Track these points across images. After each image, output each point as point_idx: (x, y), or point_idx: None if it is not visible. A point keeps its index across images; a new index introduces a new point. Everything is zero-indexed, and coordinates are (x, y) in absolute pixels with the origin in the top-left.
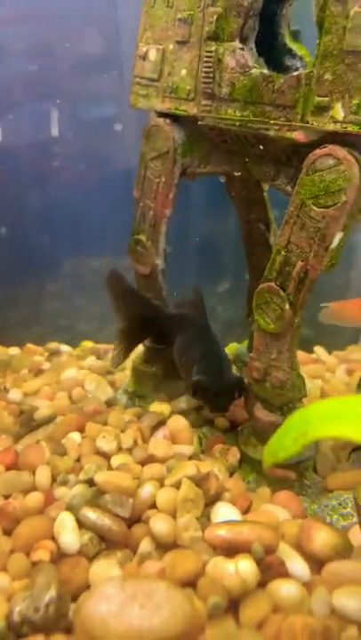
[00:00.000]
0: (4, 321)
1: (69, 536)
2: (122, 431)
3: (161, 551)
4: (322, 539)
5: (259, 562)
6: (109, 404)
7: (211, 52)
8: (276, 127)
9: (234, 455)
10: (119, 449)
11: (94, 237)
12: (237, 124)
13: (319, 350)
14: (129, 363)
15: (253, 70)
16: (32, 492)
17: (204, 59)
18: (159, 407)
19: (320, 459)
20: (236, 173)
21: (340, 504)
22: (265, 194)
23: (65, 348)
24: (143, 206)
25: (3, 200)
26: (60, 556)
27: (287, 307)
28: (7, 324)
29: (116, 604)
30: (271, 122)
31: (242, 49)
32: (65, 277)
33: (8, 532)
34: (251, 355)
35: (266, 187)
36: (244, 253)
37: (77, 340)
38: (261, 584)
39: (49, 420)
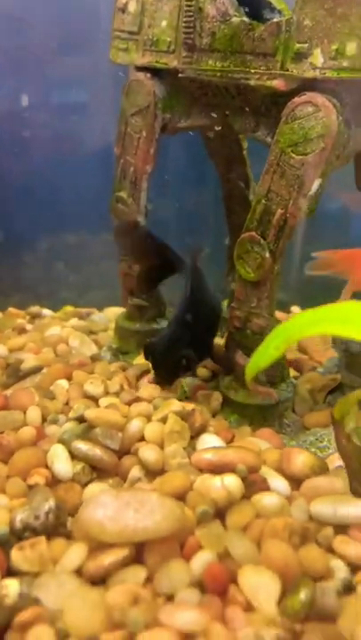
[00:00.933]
0: None
1: (62, 464)
2: (108, 379)
3: (150, 477)
4: (301, 461)
5: (243, 479)
6: (94, 359)
7: (191, 0)
8: (257, 76)
9: (216, 399)
10: (106, 393)
11: (73, 211)
12: (218, 74)
13: (296, 310)
14: (112, 323)
15: (234, 19)
16: (25, 427)
17: (185, 8)
18: (143, 360)
19: (298, 400)
20: (216, 127)
21: (316, 439)
22: (244, 152)
23: (47, 311)
24: (124, 163)
25: None
26: (54, 482)
27: (267, 255)
28: None
29: (111, 510)
30: (252, 71)
31: None
32: (44, 249)
33: (4, 462)
34: (232, 305)
35: (245, 144)
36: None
37: (59, 306)
38: (246, 497)
39: (35, 370)
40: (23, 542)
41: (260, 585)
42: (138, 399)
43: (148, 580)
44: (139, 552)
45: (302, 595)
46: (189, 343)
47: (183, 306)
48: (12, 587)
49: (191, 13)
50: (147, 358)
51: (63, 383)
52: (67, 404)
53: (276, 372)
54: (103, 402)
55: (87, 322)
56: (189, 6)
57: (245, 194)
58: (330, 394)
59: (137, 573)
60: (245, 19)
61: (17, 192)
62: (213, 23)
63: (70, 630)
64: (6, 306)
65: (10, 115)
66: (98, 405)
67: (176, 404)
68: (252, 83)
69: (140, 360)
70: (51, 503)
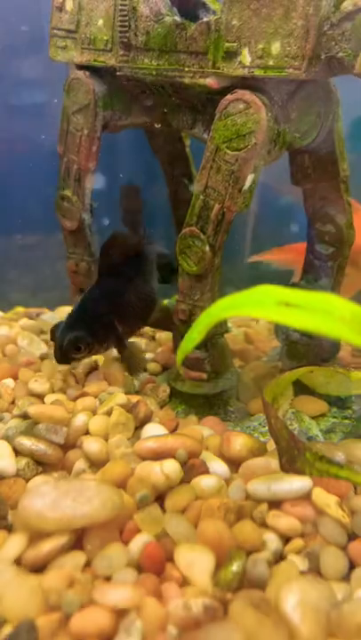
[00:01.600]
0: None
1: (6, 461)
2: (54, 377)
3: (95, 469)
4: (239, 443)
5: (183, 464)
6: (43, 358)
7: (125, 0)
8: (190, 74)
9: (164, 391)
10: (52, 390)
11: (22, 214)
12: (154, 73)
13: None
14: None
15: (167, 18)
16: None
17: (120, 7)
18: (93, 357)
19: (242, 388)
20: (156, 124)
21: (260, 424)
22: (187, 149)
23: None
24: (67, 161)
25: None
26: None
27: (207, 249)
28: None
29: (50, 499)
30: (186, 69)
31: None
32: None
33: None
34: (177, 299)
35: (188, 142)
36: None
37: (10, 307)
38: (185, 481)
39: None
40: None
41: (194, 560)
42: (84, 394)
43: (87, 564)
44: (78, 539)
45: (234, 566)
46: (89, 325)
47: (87, 290)
48: None
49: (125, 12)
50: (51, 339)
51: (9, 382)
52: (12, 402)
53: (221, 362)
54: (49, 399)
55: (37, 321)
56: (124, 5)
57: (189, 190)
58: None
59: (76, 558)
60: (177, 18)
61: None
62: (147, 22)
63: (7, 616)
64: None
65: None
66: (44, 402)
67: (121, 397)
68: (186, 81)
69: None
70: None
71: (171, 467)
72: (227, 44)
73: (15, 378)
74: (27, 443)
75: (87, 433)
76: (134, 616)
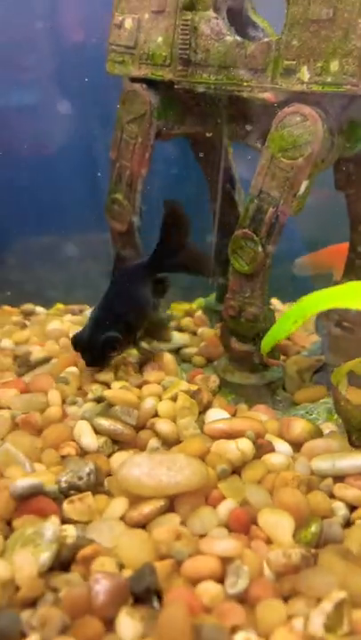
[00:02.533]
0: None
1: (88, 438)
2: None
3: (166, 447)
4: (300, 427)
5: (253, 443)
6: None
7: (187, 20)
8: (249, 89)
9: (214, 381)
10: (116, 378)
11: (53, 214)
12: (212, 87)
13: (275, 301)
14: None
15: (227, 37)
16: (51, 407)
17: (181, 27)
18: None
19: (288, 380)
20: (208, 134)
21: (306, 412)
22: (230, 155)
23: (40, 309)
24: (120, 167)
25: None
26: (83, 453)
27: (260, 249)
28: None
29: (146, 468)
30: (244, 84)
31: (216, 18)
32: (28, 249)
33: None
34: (226, 296)
35: (231, 149)
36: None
37: (47, 304)
38: (256, 457)
39: (44, 361)
40: (72, 497)
41: (277, 523)
42: (146, 382)
43: (182, 524)
44: (171, 503)
45: (313, 527)
46: (114, 326)
47: (106, 293)
48: (70, 530)
49: (187, 32)
50: (75, 349)
51: (74, 370)
52: (79, 388)
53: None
54: (115, 385)
55: (82, 317)
56: (185, 25)
57: (232, 194)
58: (315, 373)
59: (172, 519)
60: (238, 38)
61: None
62: (208, 41)
63: (124, 562)
64: None
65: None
66: (111, 389)
67: (183, 385)
68: (244, 95)
69: (139, 349)
70: (91, 466)
71: (245, 444)
72: (286, 62)
73: (77, 367)
74: (105, 423)
75: (155, 415)
76: (239, 562)
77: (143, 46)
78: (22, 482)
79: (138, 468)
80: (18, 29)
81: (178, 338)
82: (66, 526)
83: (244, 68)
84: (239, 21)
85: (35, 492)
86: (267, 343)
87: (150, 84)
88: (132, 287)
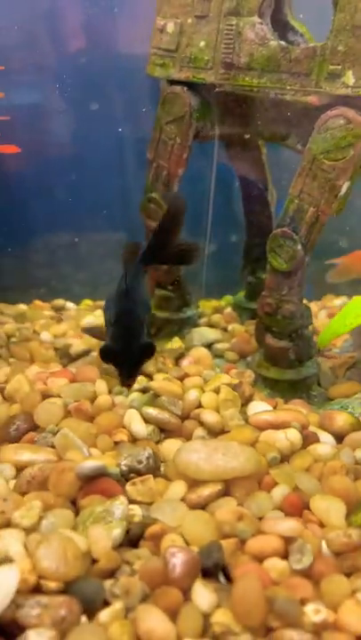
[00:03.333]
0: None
1: (139, 425)
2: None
3: (212, 436)
4: (342, 419)
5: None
6: None
7: (232, 25)
8: (292, 92)
9: (249, 376)
10: (158, 371)
11: (79, 213)
12: (255, 89)
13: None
14: None
15: (272, 42)
16: (101, 396)
17: (225, 31)
18: (174, 344)
19: (322, 376)
20: (246, 135)
21: (341, 407)
22: (263, 156)
23: (70, 304)
24: (157, 167)
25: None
26: (133, 440)
27: (299, 248)
28: (1, 287)
29: (203, 453)
30: (287, 88)
31: (261, 23)
32: (55, 247)
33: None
34: (263, 293)
35: (264, 150)
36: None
37: (76, 300)
38: (303, 447)
39: (84, 353)
40: (135, 479)
41: (328, 508)
42: (186, 375)
43: (239, 507)
44: (226, 487)
45: None
46: (142, 331)
47: (118, 294)
48: (136, 509)
49: (231, 36)
50: (106, 361)
51: None
52: None
53: (305, 351)
54: (158, 377)
55: None
56: (230, 30)
57: (264, 194)
58: (348, 370)
59: (229, 502)
60: (283, 43)
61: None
62: (252, 45)
63: (189, 540)
64: (25, 300)
65: (27, 115)
66: (153, 380)
67: (225, 378)
68: (287, 98)
69: (173, 345)
70: (149, 451)
71: (293, 434)
72: (331, 67)
73: None
74: (152, 412)
75: (198, 406)
76: (302, 541)
77: (185, 50)
78: (88, 464)
79: (195, 453)
80: (39, 30)
81: (209, 333)
82: (132, 506)
83: (288, 71)
84: (279, 26)
85: (99, 474)
86: (326, 337)
87: (190, 86)
88: (140, 286)
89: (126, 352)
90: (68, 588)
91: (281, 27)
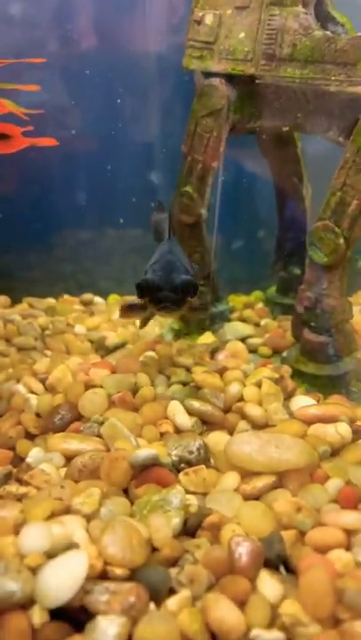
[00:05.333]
0: (26, 280)
1: (183, 417)
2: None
3: (256, 430)
4: None
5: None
6: (157, 340)
7: (274, 15)
8: (337, 83)
9: (286, 371)
10: (195, 364)
11: (101, 208)
12: (297, 81)
13: None
14: None
15: (316, 32)
16: (145, 387)
17: (267, 22)
18: (207, 339)
19: None
20: (284, 128)
21: None
22: (298, 150)
23: (98, 299)
24: (191, 160)
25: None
26: (177, 431)
27: (341, 241)
28: (29, 281)
29: (256, 445)
30: (332, 78)
31: (305, 13)
32: (80, 242)
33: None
34: (301, 287)
35: (299, 144)
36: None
37: (102, 294)
38: (352, 441)
39: (120, 346)
40: (187, 469)
41: None
42: (225, 368)
43: (295, 498)
44: (279, 479)
45: None
46: (185, 273)
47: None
48: (192, 499)
49: (274, 27)
50: (142, 295)
51: (152, 354)
52: (160, 371)
53: (345, 346)
54: (197, 370)
55: None
56: (272, 21)
57: (299, 188)
58: None
59: (284, 494)
60: (328, 33)
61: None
62: (295, 36)
63: (249, 532)
64: (52, 294)
65: (54, 110)
66: (191, 373)
67: (266, 371)
68: (332, 89)
69: (205, 339)
70: (200, 442)
71: (344, 428)
72: None
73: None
74: (196, 404)
75: (240, 400)
76: None
77: (224, 41)
78: (142, 452)
79: (248, 445)
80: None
81: (242, 328)
82: (189, 495)
83: (332, 62)
84: (320, 17)
85: (153, 463)
86: None
87: (228, 78)
88: (179, 249)
89: (166, 284)
90: (133, 575)
91: (322, 17)
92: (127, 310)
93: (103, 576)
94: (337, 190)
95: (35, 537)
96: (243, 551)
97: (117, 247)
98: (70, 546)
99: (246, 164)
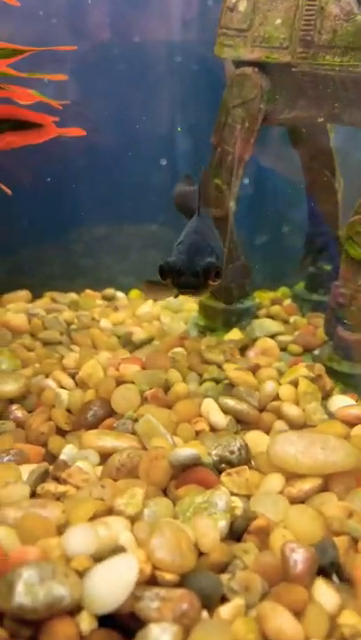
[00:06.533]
0: (45, 275)
1: (217, 415)
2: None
3: (294, 430)
4: None
5: None
6: (183, 336)
7: (313, 0)
8: None
9: (319, 369)
10: (226, 361)
11: (118, 204)
12: (337, 69)
13: None
14: (185, 304)
15: (359, 17)
16: (178, 383)
17: (306, 7)
18: (234, 335)
19: None
20: (319, 119)
21: None
22: (330, 142)
23: (120, 294)
24: (221, 152)
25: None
26: (212, 429)
27: None
28: (48, 276)
29: (301, 446)
30: None
31: None
32: (98, 238)
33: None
34: (336, 283)
35: (332, 135)
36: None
37: (122, 289)
38: None
39: (147, 341)
40: (229, 470)
41: None
42: (258, 366)
43: (343, 502)
44: (324, 482)
45: None
46: (210, 255)
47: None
48: (237, 502)
49: (313, 12)
50: (164, 277)
51: (181, 350)
52: (189, 368)
53: None
54: (229, 367)
55: (164, 302)
56: (311, 5)
57: (331, 182)
58: None
59: (330, 497)
60: None
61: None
62: (336, 21)
63: (297, 537)
64: (73, 288)
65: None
66: (223, 370)
67: (302, 369)
68: None
69: (232, 336)
70: (241, 441)
71: None
72: None
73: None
74: (230, 402)
75: (275, 399)
76: None
77: (258, 29)
78: (184, 452)
79: (292, 445)
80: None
81: (270, 325)
82: (233, 497)
83: None
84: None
85: (194, 463)
86: None
87: (261, 67)
88: (211, 226)
89: (188, 267)
90: (183, 581)
91: None
92: (151, 288)
93: (152, 581)
94: None
95: (81, 539)
96: (298, 558)
97: (135, 242)
98: (117, 549)
99: (273, 156)
